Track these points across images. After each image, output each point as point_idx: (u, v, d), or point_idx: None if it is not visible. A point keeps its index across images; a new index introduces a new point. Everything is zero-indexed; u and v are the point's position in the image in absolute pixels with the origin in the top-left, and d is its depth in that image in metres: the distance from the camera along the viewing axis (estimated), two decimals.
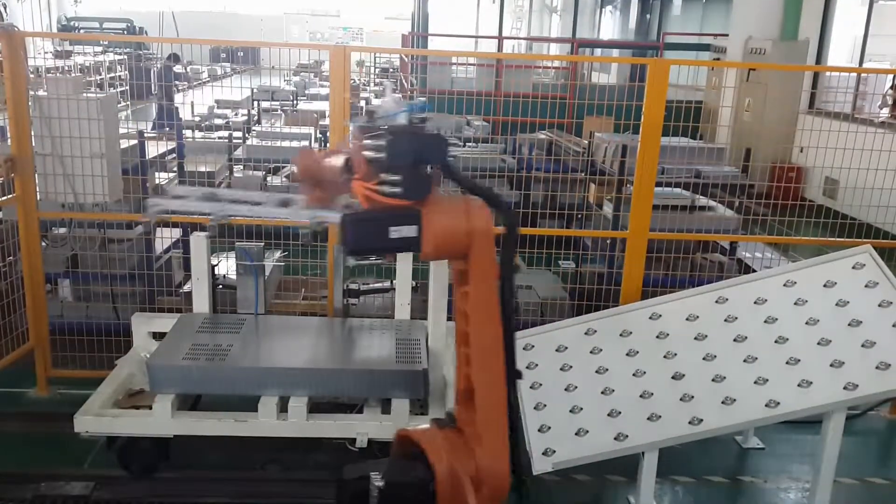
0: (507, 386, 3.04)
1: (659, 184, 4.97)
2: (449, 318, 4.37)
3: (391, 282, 4.94)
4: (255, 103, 14.88)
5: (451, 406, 3.26)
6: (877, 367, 3.73)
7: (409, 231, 2.70)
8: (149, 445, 4.02)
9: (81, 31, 30.80)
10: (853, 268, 4.17)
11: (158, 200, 3.70)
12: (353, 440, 3.96)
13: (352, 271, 4.86)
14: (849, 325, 3.93)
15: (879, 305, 3.98)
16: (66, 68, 16.10)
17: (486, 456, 2.96)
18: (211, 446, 4.24)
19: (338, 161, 2.92)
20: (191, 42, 8.35)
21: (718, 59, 14.65)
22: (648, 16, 23.13)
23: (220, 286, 5.41)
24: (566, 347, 4.45)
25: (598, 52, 20.36)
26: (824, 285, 4.15)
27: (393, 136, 2.66)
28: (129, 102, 14.61)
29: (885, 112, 11.69)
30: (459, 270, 2.97)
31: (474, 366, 2.96)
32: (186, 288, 5.98)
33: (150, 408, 3.93)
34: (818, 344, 3.90)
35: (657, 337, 4.29)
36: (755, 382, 3.86)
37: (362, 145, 2.72)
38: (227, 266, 6.02)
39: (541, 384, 4.28)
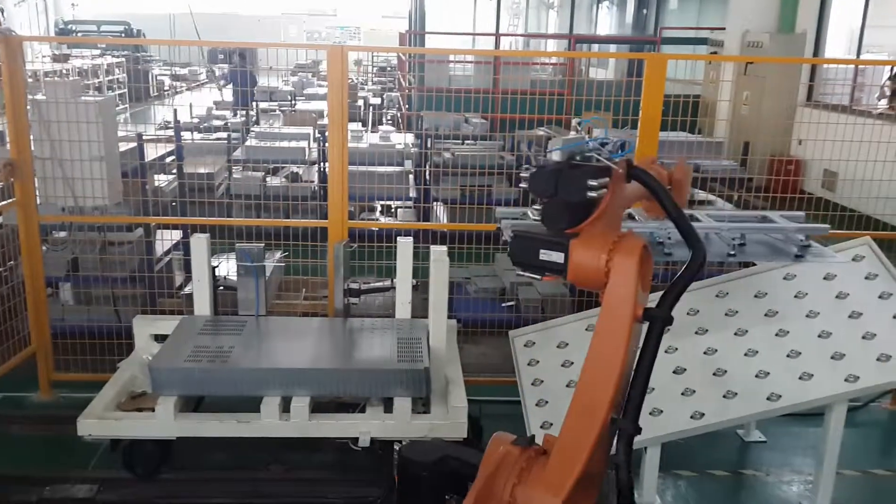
0: (621, 447, 2.65)
1: None
2: (450, 317, 4.38)
3: (391, 281, 4.93)
4: (254, 104, 14.88)
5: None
6: (877, 359, 3.74)
7: (557, 257, 2.68)
8: (152, 447, 4.04)
9: (79, 34, 30.83)
10: (853, 260, 4.17)
11: None
12: (356, 439, 3.97)
13: (352, 270, 4.86)
14: (849, 317, 3.94)
15: (879, 297, 3.99)
16: (64, 72, 16.10)
17: (539, 485, 2.62)
18: (214, 447, 4.25)
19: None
20: (188, 44, 8.39)
21: (716, 52, 14.65)
22: (645, 10, 23.09)
23: (221, 287, 5.41)
24: (567, 344, 4.46)
25: (595, 47, 20.32)
26: (824, 278, 4.15)
27: (537, 169, 2.65)
28: (127, 105, 14.60)
29: (884, 103, 11.70)
30: None
31: (571, 408, 2.61)
32: (187, 290, 5.98)
33: (153, 410, 3.94)
34: (819, 336, 3.91)
35: None
36: (756, 376, 3.87)
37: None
38: (227, 267, 6.02)
39: (542, 381, 4.29)
